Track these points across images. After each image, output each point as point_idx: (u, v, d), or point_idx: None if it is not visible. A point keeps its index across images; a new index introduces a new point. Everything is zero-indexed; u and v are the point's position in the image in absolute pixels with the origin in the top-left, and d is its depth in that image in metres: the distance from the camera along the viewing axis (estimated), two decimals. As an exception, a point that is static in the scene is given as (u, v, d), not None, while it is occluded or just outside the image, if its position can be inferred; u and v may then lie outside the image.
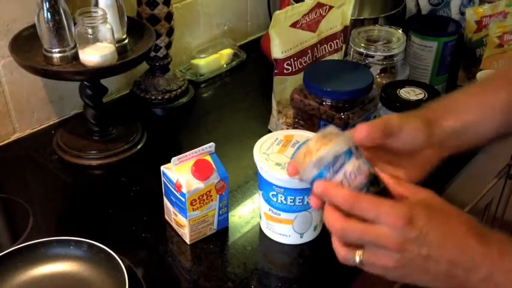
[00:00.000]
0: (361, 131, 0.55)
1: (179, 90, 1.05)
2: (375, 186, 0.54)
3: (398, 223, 0.48)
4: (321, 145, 0.53)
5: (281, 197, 0.70)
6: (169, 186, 0.72)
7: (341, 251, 0.53)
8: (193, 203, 0.70)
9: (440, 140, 0.60)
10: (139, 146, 0.93)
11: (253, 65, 1.23)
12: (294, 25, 0.87)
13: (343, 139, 0.54)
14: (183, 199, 0.69)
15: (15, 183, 0.87)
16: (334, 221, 0.51)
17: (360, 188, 0.53)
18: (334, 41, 0.95)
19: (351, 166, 0.53)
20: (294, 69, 0.89)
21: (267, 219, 0.74)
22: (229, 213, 0.77)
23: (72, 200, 0.85)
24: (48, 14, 0.78)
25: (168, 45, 1.02)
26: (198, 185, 0.69)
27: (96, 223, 0.78)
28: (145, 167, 0.90)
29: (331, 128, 0.56)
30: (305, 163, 0.54)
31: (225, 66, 1.19)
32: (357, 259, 0.52)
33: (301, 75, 0.87)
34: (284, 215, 0.71)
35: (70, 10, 0.81)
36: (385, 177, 0.55)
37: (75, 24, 0.81)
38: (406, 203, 0.51)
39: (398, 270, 0.50)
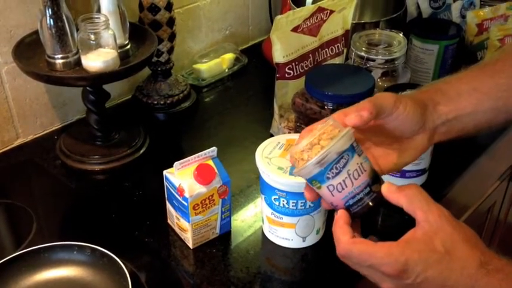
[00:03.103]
0: (352, 119, 0.54)
1: (181, 94, 1.06)
2: (377, 185, 0.53)
3: (392, 273, 0.48)
4: (324, 140, 0.51)
5: (283, 200, 0.70)
6: (171, 190, 0.72)
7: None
8: (196, 208, 0.70)
9: (434, 126, 0.59)
10: (141, 151, 0.93)
11: (255, 69, 1.23)
12: (295, 29, 0.87)
13: (345, 134, 0.51)
14: (186, 203, 0.69)
15: (19, 189, 0.87)
16: (341, 243, 0.52)
17: (363, 187, 0.52)
18: (336, 45, 0.95)
19: (354, 164, 0.51)
20: (295, 74, 0.90)
21: (269, 223, 0.74)
22: (232, 217, 0.77)
23: (76, 204, 0.85)
24: (51, 20, 0.79)
25: (170, 50, 1.02)
26: (200, 189, 0.69)
27: (99, 228, 0.79)
28: (148, 171, 0.90)
29: (330, 121, 0.53)
30: (304, 160, 0.52)
31: (226, 70, 1.19)
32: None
33: (302, 79, 0.87)
34: (286, 219, 0.72)
35: (72, 16, 0.82)
36: (392, 195, 0.53)
37: (77, 30, 0.81)
38: (401, 248, 0.49)
39: None
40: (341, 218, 0.53)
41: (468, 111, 0.60)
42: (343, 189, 0.52)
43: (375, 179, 0.53)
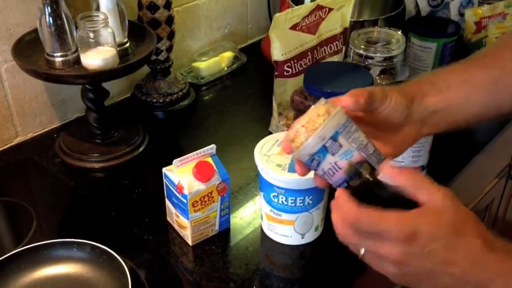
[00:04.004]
0: (348, 101, 0.54)
1: (180, 93, 1.06)
2: (355, 180, 0.53)
3: (401, 238, 0.47)
4: (305, 132, 0.52)
5: (282, 198, 0.70)
6: (171, 188, 0.72)
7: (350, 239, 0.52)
8: (195, 205, 0.70)
9: (421, 117, 0.59)
10: (141, 149, 0.93)
11: (254, 67, 1.23)
12: (294, 27, 0.87)
13: (315, 135, 0.51)
14: (185, 200, 0.70)
15: (18, 187, 0.87)
16: (351, 211, 0.50)
17: (340, 182, 0.53)
18: (334, 43, 0.96)
19: (327, 164, 0.53)
20: (294, 71, 0.90)
21: (268, 220, 0.74)
22: (231, 215, 0.77)
23: (75, 202, 0.85)
24: (50, 18, 0.79)
25: (169, 49, 1.03)
26: (199, 186, 0.70)
27: (99, 225, 0.79)
28: (147, 169, 0.90)
29: (321, 104, 0.53)
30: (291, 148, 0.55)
31: (225, 69, 1.19)
32: (362, 251, 0.51)
33: (301, 77, 0.87)
34: (285, 216, 0.72)
35: (71, 14, 0.82)
36: (397, 177, 0.51)
37: (76, 28, 0.82)
38: (412, 216, 0.48)
39: (399, 278, 0.50)
40: (344, 192, 0.52)
41: (457, 103, 0.59)
42: (326, 179, 0.55)
43: (355, 174, 0.53)
